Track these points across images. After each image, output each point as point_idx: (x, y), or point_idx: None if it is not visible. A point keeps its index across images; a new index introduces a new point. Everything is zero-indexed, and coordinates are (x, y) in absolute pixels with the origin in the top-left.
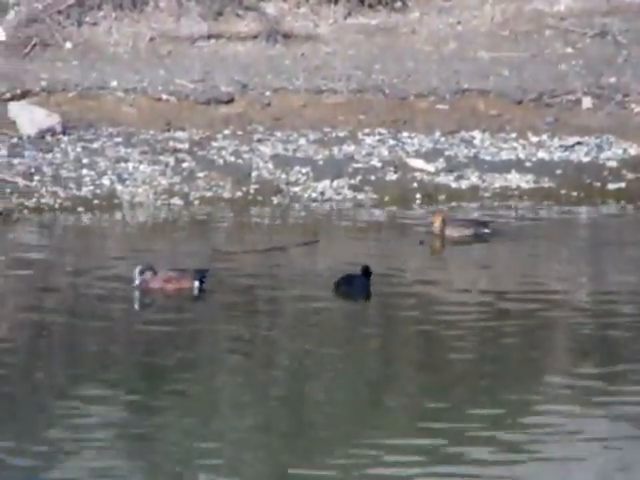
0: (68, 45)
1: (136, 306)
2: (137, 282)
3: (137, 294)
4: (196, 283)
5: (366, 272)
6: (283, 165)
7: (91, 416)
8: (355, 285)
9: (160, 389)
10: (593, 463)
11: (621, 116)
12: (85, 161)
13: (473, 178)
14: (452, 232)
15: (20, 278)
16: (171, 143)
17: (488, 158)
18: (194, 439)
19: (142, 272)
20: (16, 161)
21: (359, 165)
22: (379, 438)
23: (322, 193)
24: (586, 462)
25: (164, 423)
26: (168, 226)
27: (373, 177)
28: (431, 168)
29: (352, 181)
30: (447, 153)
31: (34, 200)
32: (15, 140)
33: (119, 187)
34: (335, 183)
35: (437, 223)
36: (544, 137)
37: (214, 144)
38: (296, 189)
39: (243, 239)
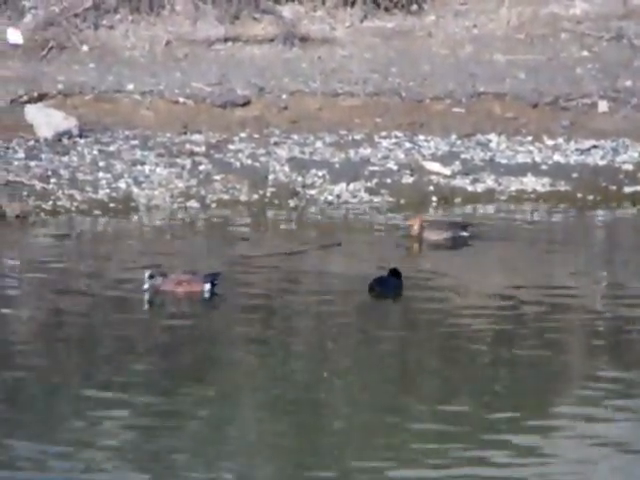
0: (85, 48)
1: (148, 309)
2: (146, 286)
3: (147, 297)
4: (207, 286)
5: (396, 273)
6: (299, 168)
7: (111, 415)
8: (388, 286)
9: (178, 390)
10: (612, 466)
11: (637, 119)
12: (101, 164)
13: (489, 181)
14: (429, 235)
15: (36, 280)
16: (188, 146)
17: (504, 161)
18: (213, 442)
19: (151, 277)
20: (33, 164)
21: (375, 168)
22: (398, 441)
23: (338, 196)
24: (604, 465)
25: (183, 425)
26: (185, 229)
27: (389, 180)
28: (447, 171)
29: (368, 184)
30: (463, 156)
31: (50, 203)
32: (32, 143)
33: (135, 190)
34: (351, 186)
35: (415, 226)
36: (560, 140)
37: (231, 147)
38: (312, 192)
39: (261, 242)
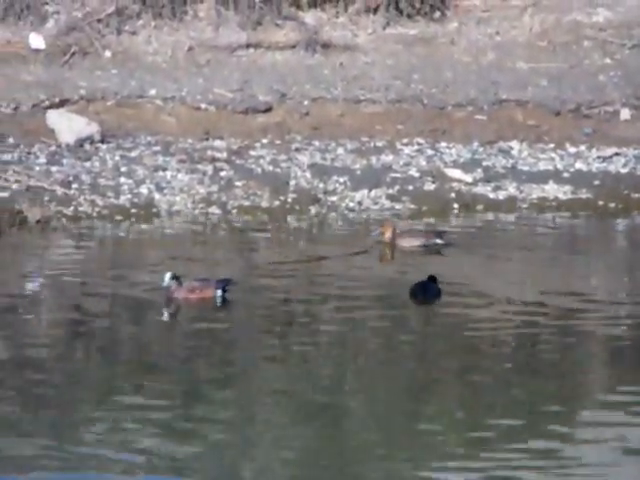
0: (107, 54)
1: (165, 314)
2: (165, 284)
3: (165, 301)
4: (219, 292)
5: (433, 279)
6: (321, 174)
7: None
8: (430, 292)
9: (200, 394)
10: (633, 472)
11: None
12: (123, 170)
13: (511, 189)
14: (402, 242)
15: (58, 287)
16: (209, 152)
17: (526, 169)
18: (236, 445)
19: (173, 277)
20: (54, 169)
21: (397, 175)
22: (420, 449)
23: (360, 203)
24: (625, 470)
25: (202, 429)
26: (206, 235)
27: (411, 187)
28: (469, 178)
29: (390, 191)
30: (485, 163)
31: (72, 208)
32: (54, 148)
33: (157, 196)
34: (373, 193)
35: (387, 233)
36: (582, 148)
37: (252, 153)
38: (334, 198)
39: (285, 248)
